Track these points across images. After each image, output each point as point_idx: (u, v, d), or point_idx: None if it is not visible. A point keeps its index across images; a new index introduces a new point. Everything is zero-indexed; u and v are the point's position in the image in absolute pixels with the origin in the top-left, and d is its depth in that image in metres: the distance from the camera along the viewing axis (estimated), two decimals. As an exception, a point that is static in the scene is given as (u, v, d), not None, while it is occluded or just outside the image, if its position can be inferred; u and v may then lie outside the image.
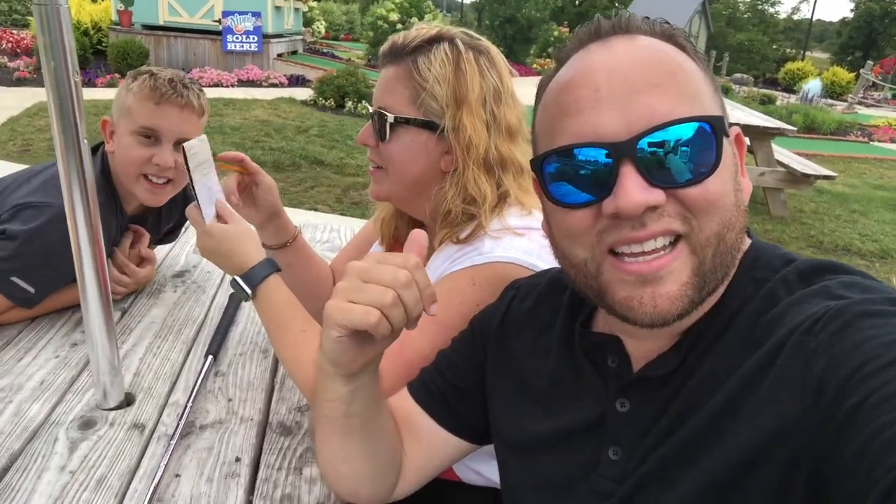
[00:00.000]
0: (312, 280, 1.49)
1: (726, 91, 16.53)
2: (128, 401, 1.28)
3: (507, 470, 0.92)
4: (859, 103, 20.33)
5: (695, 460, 0.65)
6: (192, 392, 1.28)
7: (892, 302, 0.60)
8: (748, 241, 0.76)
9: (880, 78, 23.79)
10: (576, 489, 0.78)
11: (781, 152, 7.03)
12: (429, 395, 0.97)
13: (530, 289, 0.97)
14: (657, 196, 0.63)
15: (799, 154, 8.04)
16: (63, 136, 1.10)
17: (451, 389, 0.96)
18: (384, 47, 1.22)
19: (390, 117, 1.17)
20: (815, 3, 41.71)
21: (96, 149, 1.62)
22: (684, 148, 0.63)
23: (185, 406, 1.24)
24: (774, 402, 0.60)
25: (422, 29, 1.21)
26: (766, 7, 47.46)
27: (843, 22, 46.27)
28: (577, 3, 39.24)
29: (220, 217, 1.24)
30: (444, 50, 1.18)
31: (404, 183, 1.22)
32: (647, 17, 0.72)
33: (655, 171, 0.63)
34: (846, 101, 20.50)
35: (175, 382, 1.36)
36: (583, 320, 0.84)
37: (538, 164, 0.71)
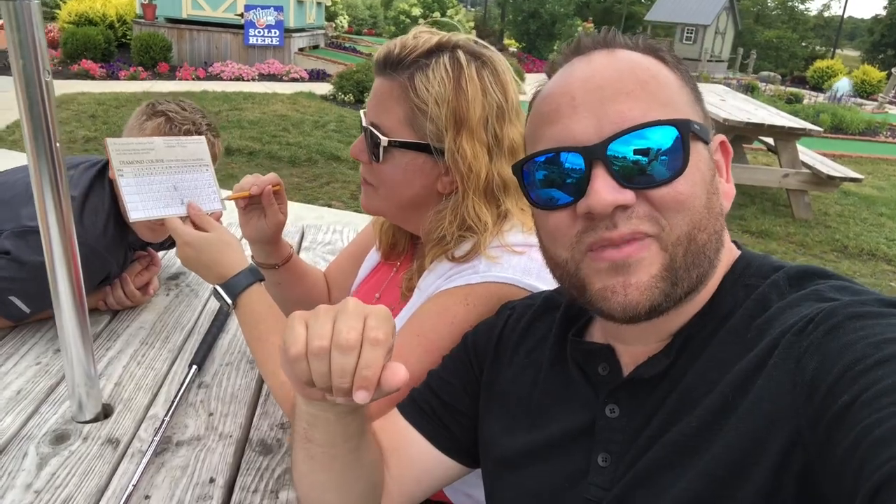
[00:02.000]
0: (304, 296, 1.43)
1: (752, 89, 16.20)
2: (105, 413, 1.23)
3: (494, 486, 0.89)
4: (890, 102, 19.85)
5: (686, 463, 0.64)
6: (171, 406, 1.24)
7: (881, 303, 0.61)
8: (736, 251, 0.77)
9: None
10: (565, 498, 0.76)
11: (806, 153, 6.85)
12: (420, 414, 0.93)
13: (525, 309, 0.95)
14: (627, 196, 0.66)
15: (825, 155, 7.80)
16: (34, 138, 1.05)
17: (443, 407, 0.93)
18: (379, 55, 1.11)
19: (384, 140, 1.08)
20: (847, 0, 40.73)
21: (103, 167, 1.60)
22: (653, 150, 0.66)
23: (163, 421, 1.19)
24: (766, 403, 0.60)
25: (421, 36, 1.10)
26: (797, 4, 46.55)
27: (876, 19, 45.24)
28: (601, -2, 38.87)
29: (199, 226, 1.19)
30: (444, 65, 1.07)
31: (397, 203, 1.15)
32: (635, 34, 0.76)
33: (625, 172, 0.66)
34: (876, 100, 20.04)
35: (156, 394, 1.31)
36: (576, 331, 0.84)
37: (519, 168, 0.74)
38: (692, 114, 0.70)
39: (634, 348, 0.75)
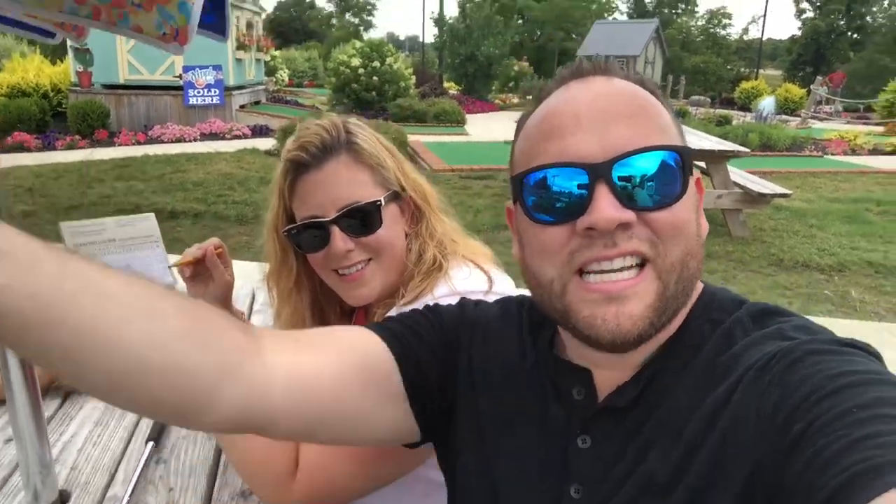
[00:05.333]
0: None
1: (683, 115, 16.91)
2: (62, 499, 1.24)
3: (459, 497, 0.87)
4: (812, 118, 20.94)
5: (659, 497, 0.66)
6: (129, 485, 1.25)
7: (836, 342, 0.65)
8: (699, 284, 0.78)
9: (829, 92, 24.56)
10: None
11: (737, 173, 7.18)
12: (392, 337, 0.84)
13: (484, 306, 0.93)
14: (629, 215, 0.67)
15: (756, 172, 8.22)
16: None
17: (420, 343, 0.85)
18: (308, 151, 1.17)
19: (381, 201, 1.17)
20: (765, 23, 43.11)
21: None
22: (656, 173, 0.68)
23: (122, 501, 1.21)
24: (731, 436, 0.63)
25: (320, 123, 1.22)
26: (718, 30, 48.93)
27: (793, 39, 47.87)
28: (534, 38, 40.17)
29: None
30: (357, 125, 1.24)
31: (396, 262, 1.21)
32: (623, 66, 0.78)
33: (628, 193, 0.67)
34: (800, 116, 21.11)
35: (114, 474, 1.33)
36: (549, 344, 0.83)
37: (519, 180, 0.74)
38: (682, 143, 0.73)
39: (608, 373, 0.76)
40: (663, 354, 0.73)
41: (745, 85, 28.54)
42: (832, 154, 13.04)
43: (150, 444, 1.39)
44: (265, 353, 0.71)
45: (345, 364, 0.78)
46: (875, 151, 13.38)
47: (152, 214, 1.35)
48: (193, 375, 0.63)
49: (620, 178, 0.67)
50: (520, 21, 39.27)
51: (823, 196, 9.14)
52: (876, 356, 0.65)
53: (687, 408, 0.68)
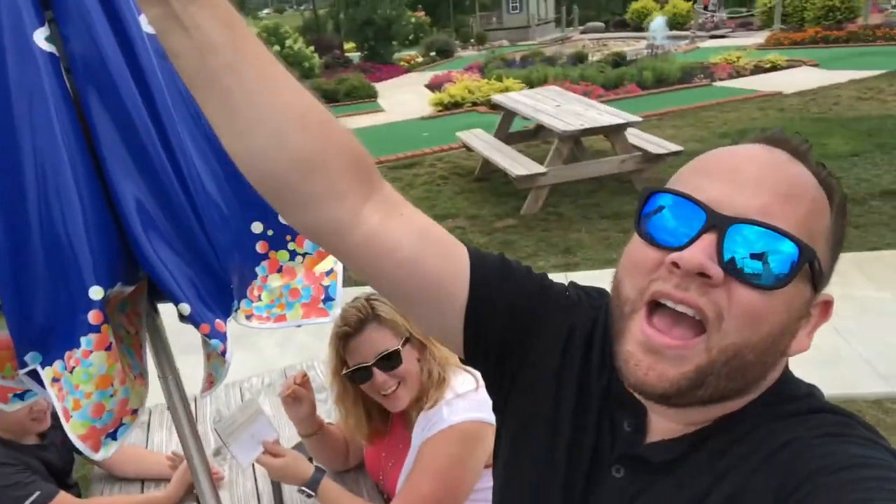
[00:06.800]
0: (337, 455, 2.26)
1: (581, 59, 17.59)
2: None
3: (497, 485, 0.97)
4: (699, 30, 21.77)
5: None
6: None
7: (860, 464, 0.63)
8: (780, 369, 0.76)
9: (712, 5, 25.74)
10: None
11: (636, 135, 7.97)
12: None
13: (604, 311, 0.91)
14: (716, 270, 0.66)
15: (653, 115, 8.90)
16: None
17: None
18: (353, 323, 1.87)
19: (399, 347, 1.86)
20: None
21: None
22: (766, 254, 0.66)
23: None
24: None
25: (352, 306, 1.90)
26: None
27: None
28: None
29: (275, 454, 1.94)
30: (378, 301, 1.90)
31: (416, 380, 1.90)
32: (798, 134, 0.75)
33: (730, 254, 0.67)
34: (689, 31, 22.07)
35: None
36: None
37: (647, 193, 0.75)
38: (822, 256, 0.70)
39: (660, 420, 0.78)
40: (717, 426, 0.74)
41: (634, 6, 29.41)
42: (719, 79, 13.99)
43: (280, 527, 2.15)
44: (366, 205, 0.80)
45: (420, 261, 0.83)
46: (756, 70, 14.37)
47: (251, 399, 2.04)
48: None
49: (731, 238, 0.66)
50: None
51: (714, 131, 9.86)
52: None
53: (713, 484, 0.69)
